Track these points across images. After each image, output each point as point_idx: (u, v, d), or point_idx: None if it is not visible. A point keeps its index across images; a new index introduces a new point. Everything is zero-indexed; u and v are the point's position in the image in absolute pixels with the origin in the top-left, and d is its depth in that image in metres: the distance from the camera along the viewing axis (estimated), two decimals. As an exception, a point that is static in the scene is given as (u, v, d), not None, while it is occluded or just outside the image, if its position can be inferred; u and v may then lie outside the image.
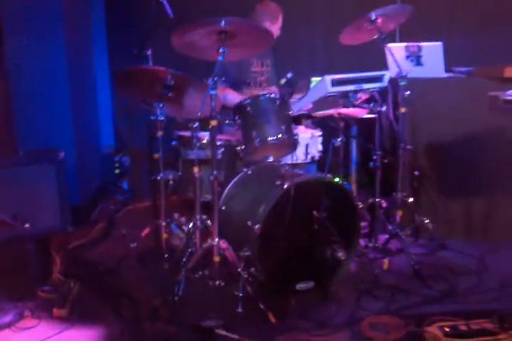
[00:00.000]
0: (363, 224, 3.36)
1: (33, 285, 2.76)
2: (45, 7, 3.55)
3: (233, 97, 3.27)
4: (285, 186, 2.59)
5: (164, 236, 3.01)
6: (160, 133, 2.86)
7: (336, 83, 2.76)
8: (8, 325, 2.48)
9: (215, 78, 2.46)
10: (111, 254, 3.29)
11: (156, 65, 2.93)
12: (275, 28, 3.49)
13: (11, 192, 2.76)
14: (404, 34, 4.09)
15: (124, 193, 4.42)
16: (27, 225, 2.70)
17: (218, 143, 2.90)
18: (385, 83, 2.96)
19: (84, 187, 4.00)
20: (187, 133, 2.95)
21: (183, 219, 3.18)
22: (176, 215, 3.22)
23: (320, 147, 3.29)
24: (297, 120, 3.32)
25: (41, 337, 2.41)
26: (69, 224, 2.92)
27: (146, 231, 3.09)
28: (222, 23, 2.48)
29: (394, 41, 3.88)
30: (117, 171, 4.42)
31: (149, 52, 3.05)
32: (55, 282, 2.87)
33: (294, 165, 3.09)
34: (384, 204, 3.21)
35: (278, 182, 2.63)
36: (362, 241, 3.20)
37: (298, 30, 4.19)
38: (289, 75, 3.01)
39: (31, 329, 2.47)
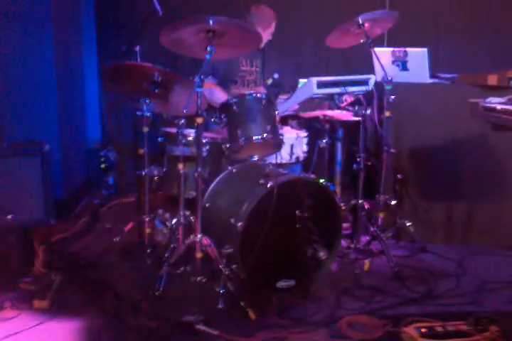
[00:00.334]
0: (345, 225, 3.42)
1: (14, 276, 2.76)
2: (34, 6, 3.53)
3: (219, 95, 3.29)
4: (269, 185, 2.61)
5: (147, 231, 3.02)
6: (146, 129, 2.88)
7: (321, 85, 2.80)
8: (-12, 316, 2.48)
9: (202, 76, 2.48)
10: (94, 248, 3.31)
11: (144, 62, 2.95)
12: (266, 33, 3.52)
13: (-4, 184, 2.75)
14: (393, 39, 4.15)
15: (109, 188, 4.41)
16: (9, 217, 2.69)
17: (204, 140, 2.93)
18: (370, 87, 3.01)
19: (69, 181, 3.98)
20: (173, 130, 2.97)
21: (167, 215, 3.18)
22: (160, 211, 3.23)
23: (305, 148, 3.32)
24: (283, 120, 3.35)
25: (21, 328, 2.41)
26: (52, 217, 2.92)
27: (130, 226, 3.09)
28: (211, 21, 2.50)
29: (382, 46, 3.93)
30: (103, 166, 4.41)
31: (138, 49, 3.05)
32: (37, 274, 2.88)
33: (279, 165, 3.12)
34: (366, 206, 3.25)
35: (262, 181, 2.66)
36: (344, 242, 3.25)
37: (287, 32, 4.22)
38: (276, 76, 3.04)
39: (11, 320, 2.48)
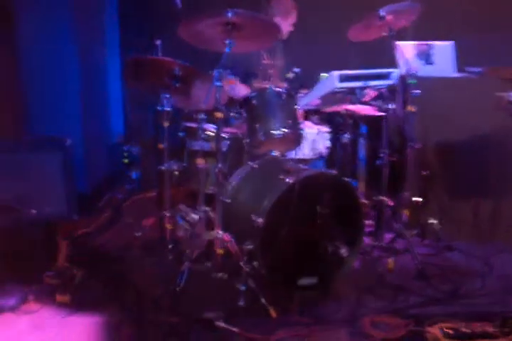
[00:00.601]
0: (368, 222, 3.36)
1: (38, 270, 2.78)
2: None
3: (240, 90, 3.26)
4: (289, 180, 2.57)
5: (168, 226, 3.00)
6: (166, 124, 2.86)
7: (343, 79, 2.74)
8: (12, 308, 2.52)
9: (221, 70, 2.45)
10: (116, 243, 3.31)
11: (165, 56, 2.93)
12: (286, 24, 3.47)
13: (18, 178, 2.77)
14: (418, 32, 4.03)
15: (132, 182, 4.42)
16: (33, 211, 2.71)
17: (224, 135, 2.91)
18: (392, 81, 2.93)
19: (92, 175, 4.01)
20: (193, 125, 2.95)
21: (188, 210, 3.17)
22: (181, 206, 3.21)
23: (328, 143, 3.27)
24: (305, 115, 3.30)
25: (42, 321, 2.43)
26: (75, 212, 2.94)
27: (150, 221, 3.08)
28: (229, 14, 2.46)
29: (406, 39, 3.83)
30: (126, 160, 4.42)
31: (159, 43, 3.03)
32: (60, 268, 2.89)
33: (301, 161, 3.08)
34: (390, 203, 3.18)
35: (282, 177, 2.62)
36: (367, 240, 3.19)
37: (310, 25, 4.14)
38: (296, 70, 2.99)
39: (33, 314, 2.49)
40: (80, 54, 3.71)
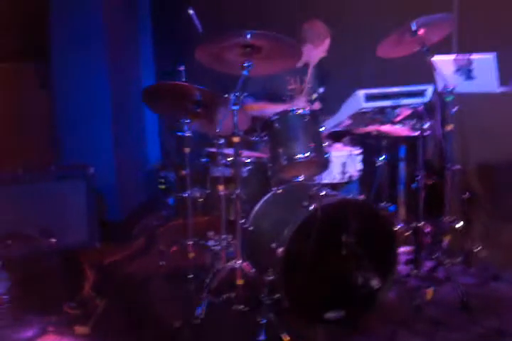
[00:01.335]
0: (407, 249, 3.15)
1: (58, 300, 2.75)
2: (89, 27, 3.62)
3: (274, 109, 3.15)
4: (311, 207, 2.43)
5: (191, 255, 2.91)
6: (187, 150, 2.80)
7: (370, 98, 2.59)
8: (30, 340, 2.48)
9: (238, 93, 2.37)
10: (144, 271, 3.25)
11: (189, 81, 2.90)
12: (319, 50, 3.37)
13: (40, 207, 2.79)
14: (463, 44, 3.83)
15: (169, 209, 4.40)
16: (53, 240, 2.69)
17: (247, 160, 2.81)
18: (427, 98, 2.75)
19: (126, 202, 4.00)
20: (215, 150, 2.87)
21: (217, 238, 3.08)
22: (210, 233, 3.13)
23: (359, 166, 3.10)
24: (335, 137, 3.16)
25: (59, 354, 2.39)
26: (97, 240, 2.90)
27: (174, 249, 3.01)
28: (248, 36, 2.39)
29: (450, 53, 3.63)
30: (162, 187, 4.41)
31: (182, 68, 3.01)
32: (85, 297, 2.85)
33: (333, 186, 2.94)
34: (428, 229, 2.97)
35: (305, 203, 2.49)
36: (405, 269, 2.98)
37: (343, 43, 4.02)
38: (321, 90, 2.87)
39: (51, 346, 2.46)
40: (112, 81, 3.75)
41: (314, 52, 3.38)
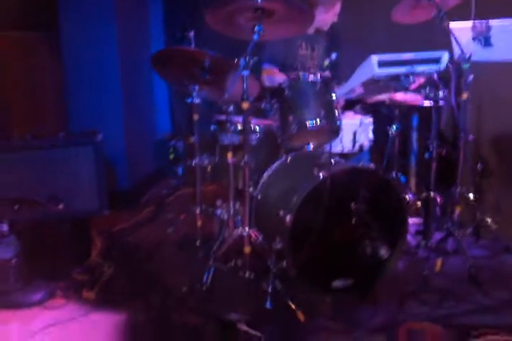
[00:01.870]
0: (417, 220, 3.12)
1: (66, 265, 2.76)
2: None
3: (281, 80, 3.09)
4: (321, 175, 2.39)
5: (199, 223, 2.90)
6: (196, 117, 2.75)
7: (383, 64, 2.51)
8: (38, 303, 2.52)
9: (248, 58, 2.31)
10: (152, 239, 3.25)
11: (198, 47, 2.83)
12: (330, 14, 3.26)
13: (48, 173, 2.76)
14: (480, 9, 3.68)
15: (178, 178, 4.38)
16: (60, 206, 2.69)
17: (256, 128, 2.77)
18: (442, 65, 2.66)
19: (136, 171, 3.99)
20: (224, 117, 2.82)
21: (225, 206, 3.06)
22: (218, 202, 3.11)
23: (370, 135, 3.04)
24: (347, 105, 3.09)
25: (65, 317, 2.40)
26: (106, 207, 2.89)
27: (183, 217, 3.00)
28: (258, -2, 2.31)
29: (468, 18, 3.51)
30: (172, 156, 4.38)
31: (192, 34, 2.93)
32: (91, 264, 2.87)
33: (343, 155, 2.89)
34: (439, 200, 2.93)
35: (315, 171, 2.45)
36: (414, 239, 2.96)
37: (356, 8, 3.89)
38: (333, 56, 2.79)
39: (58, 309, 2.48)
40: (121, 49, 3.68)
41: (325, 16, 3.28)
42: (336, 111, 2.65)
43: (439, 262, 2.77)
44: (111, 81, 3.65)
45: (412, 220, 2.93)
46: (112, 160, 3.53)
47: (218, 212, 2.94)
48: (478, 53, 2.83)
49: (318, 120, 2.56)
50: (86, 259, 2.87)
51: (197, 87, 2.73)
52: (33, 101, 3.54)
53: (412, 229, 2.99)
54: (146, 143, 4.33)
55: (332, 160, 2.51)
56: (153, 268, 2.85)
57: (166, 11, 4.47)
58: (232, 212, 2.67)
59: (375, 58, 2.52)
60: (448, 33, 2.79)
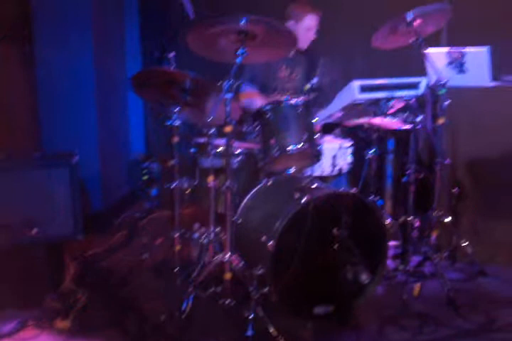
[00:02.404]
0: (395, 244, 3.13)
1: (40, 293, 2.66)
2: (74, 13, 3.50)
3: (262, 103, 3.10)
4: (303, 200, 2.38)
5: (177, 248, 2.84)
6: (176, 139, 2.72)
7: (365, 89, 2.54)
8: (9, 334, 2.40)
9: (231, 81, 2.30)
10: (127, 264, 3.16)
11: (177, 68, 2.81)
12: (303, 28, 3.28)
13: (22, 196, 2.67)
14: (451, 37, 3.79)
15: (152, 200, 4.31)
16: (34, 231, 2.59)
17: (238, 151, 2.75)
18: (420, 91, 2.71)
19: (109, 193, 3.90)
20: (204, 140, 2.80)
21: (202, 231, 3.01)
22: (196, 225, 3.06)
23: (349, 159, 3.06)
24: (326, 129, 3.11)
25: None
26: (80, 232, 2.80)
27: (160, 241, 2.94)
28: (242, 21, 2.31)
29: (439, 46, 3.60)
30: (145, 177, 4.31)
31: (171, 55, 2.91)
32: (65, 291, 2.76)
33: (322, 178, 2.89)
34: (417, 224, 2.95)
35: (297, 196, 2.44)
36: (392, 263, 2.96)
37: (337, 35, 3.95)
38: (314, 80, 2.81)
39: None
40: (97, 68, 3.64)
41: (299, 30, 3.26)
42: (317, 135, 2.66)
43: (417, 286, 2.79)
44: (86, 100, 3.60)
45: (389, 243, 2.94)
46: (85, 181, 3.44)
47: (196, 236, 2.90)
48: (454, 79, 2.90)
49: (300, 144, 2.55)
50: (59, 286, 2.76)
51: (177, 109, 2.69)
52: (5, 119, 3.44)
53: (389, 253, 3.00)
54: (120, 164, 4.26)
55: (314, 185, 2.50)
56: (130, 295, 2.76)
57: (142, 29, 4.44)
58: (212, 236, 2.62)
59: (356, 83, 2.54)
60: (424, 58, 2.86)
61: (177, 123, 2.70)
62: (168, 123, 2.71)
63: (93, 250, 3.28)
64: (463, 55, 3.10)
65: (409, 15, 2.67)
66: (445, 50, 3.15)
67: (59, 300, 2.63)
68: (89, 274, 2.99)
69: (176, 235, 2.83)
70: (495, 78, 3.18)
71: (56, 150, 3.30)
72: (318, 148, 2.65)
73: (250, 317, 2.33)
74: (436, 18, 2.78)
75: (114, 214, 3.93)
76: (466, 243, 2.96)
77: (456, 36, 3.73)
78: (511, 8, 3.88)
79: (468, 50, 3.09)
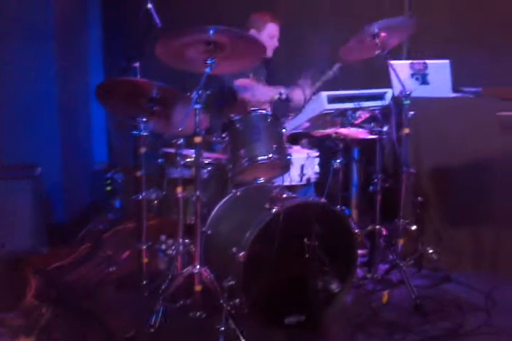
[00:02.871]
0: (362, 252, 3.16)
1: (1, 310, 2.56)
2: (36, 22, 3.43)
3: (264, 91, 3.08)
4: (274, 210, 2.38)
5: (145, 260, 2.79)
6: (143, 150, 2.68)
7: (333, 100, 2.57)
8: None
9: (200, 91, 2.29)
10: (91, 277, 3.08)
11: (143, 78, 2.77)
12: (264, 36, 3.30)
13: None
14: (413, 50, 3.89)
15: (115, 212, 4.23)
16: (-3, 246, 2.51)
17: (206, 161, 2.73)
18: (386, 102, 2.77)
19: (72, 204, 3.81)
20: (172, 150, 2.77)
21: (169, 242, 2.96)
22: (162, 237, 3.01)
23: (317, 168, 3.08)
24: (294, 139, 3.13)
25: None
26: (44, 245, 2.72)
27: (127, 254, 2.87)
28: (211, 32, 2.31)
29: (401, 58, 3.69)
30: (109, 188, 4.23)
31: (137, 65, 2.88)
32: (27, 306, 2.67)
33: (289, 188, 2.90)
34: (384, 232, 2.99)
35: (267, 206, 2.43)
36: (360, 272, 2.99)
37: (302, 43, 4.00)
38: (283, 91, 2.83)
39: (-9, 361, 2.28)
40: (59, 79, 3.56)
41: (262, 38, 3.24)
42: (286, 146, 2.67)
43: (385, 294, 2.82)
44: (47, 110, 3.51)
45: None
46: (48, 193, 3.35)
47: (163, 247, 2.86)
48: (417, 90, 2.96)
49: (270, 154, 2.56)
50: (21, 302, 2.67)
51: (144, 119, 2.65)
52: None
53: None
54: (83, 175, 4.17)
55: (284, 195, 2.50)
56: (96, 309, 2.69)
57: (106, 39, 4.38)
58: (181, 248, 2.58)
59: (324, 94, 2.57)
60: (389, 70, 2.92)
61: (144, 133, 2.66)
62: (135, 133, 2.67)
63: (56, 263, 3.19)
64: (426, 67, 3.18)
65: (375, 28, 2.72)
66: (409, 62, 3.23)
67: (21, 317, 2.54)
68: (52, 289, 2.90)
69: (143, 247, 2.77)
70: (456, 89, 3.28)
71: (16, 161, 3.20)
72: (288, 158, 2.65)
73: (221, 329, 2.30)
74: (400, 32, 2.85)
75: (78, 225, 3.85)
76: (431, 250, 3.01)
77: (417, 48, 3.85)
78: (470, 22, 4.06)
79: (431, 62, 3.18)
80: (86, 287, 2.92)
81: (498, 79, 3.71)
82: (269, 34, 3.34)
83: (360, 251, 3.12)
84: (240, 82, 3.17)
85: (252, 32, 3.31)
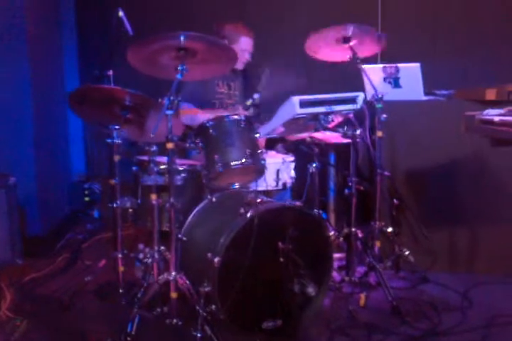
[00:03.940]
0: (339, 255, 3.17)
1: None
2: (8, 28, 3.40)
3: (204, 118, 3.09)
4: (248, 215, 2.38)
5: (121, 269, 2.77)
6: (117, 158, 2.67)
7: (304, 104, 2.59)
8: None
9: (171, 98, 2.29)
10: (69, 288, 3.05)
11: (118, 86, 2.77)
12: (237, 49, 3.31)
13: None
14: (386, 55, 3.94)
15: (94, 222, 4.21)
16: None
17: (181, 168, 2.73)
18: (358, 105, 2.79)
19: (49, 215, 3.77)
20: (146, 158, 2.76)
21: (147, 251, 2.95)
22: (140, 246, 2.99)
23: (293, 173, 3.10)
24: (269, 144, 3.14)
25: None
26: (19, 257, 2.68)
27: (103, 263, 2.85)
28: (182, 38, 2.32)
29: (375, 62, 3.73)
30: (87, 198, 4.21)
31: (110, 73, 2.88)
32: (2, 319, 2.63)
33: (265, 193, 2.90)
34: (360, 235, 3.01)
35: (242, 211, 2.43)
36: (337, 275, 3.00)
37: (274, 50, 4.03)
38: (256, 96, 2.84)
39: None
40: (34, 86, 3.53)
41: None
42: (260, 150, 2.68)
43: (363, 296, 2.83)
44: (22, 118, 3.48)
45: (334, 255, 2.98)
46: (23, 204, 3.31)
47: (141, 256, 2.84)
48: (390, 93, 3.00)
49: (243, 159, 2.56)
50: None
51: (117, 127, 2.65)
52: None
53: (334, 265, 3.03)
54: (59, 185, 4.13)
55: (258, 199, 2.51)
56: (72, 320, 2.67)
57: (81, 47, 4.37)
58: (156, 256, 2.57)
59: (296, 99, 2.59)
60: (361, 74, 2.96)
61: (118, 141, 2.66)
62: (109, 141, 2.66)
63: (32, 275, 3.16)
64: (397, 70, 3.22)
65: (347, 31, 2.77)
66: (381, 65, 3.26)
67: (-4, 330, 2.50)
68: (28, 300, 2.86)
69: (119, 256, 2.76)
70: (428, 92, 3.33)
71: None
72: (262, 162, 2.66)
73: (198, 336, 2.29)
74: (372, 44, 2.92)
75: (55, 237, 3.81)
76: (408, 252, 3.03)
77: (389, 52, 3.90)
78: (441, 25, 4.13)
79: (402, 65, 3.22)
80: (63, 298, 2.89)
81: (472, 82, 3.79)
82: (242, 47, 3.34)
83: (337, 255, 3.16)
84: (184, 112, 3.17)
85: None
